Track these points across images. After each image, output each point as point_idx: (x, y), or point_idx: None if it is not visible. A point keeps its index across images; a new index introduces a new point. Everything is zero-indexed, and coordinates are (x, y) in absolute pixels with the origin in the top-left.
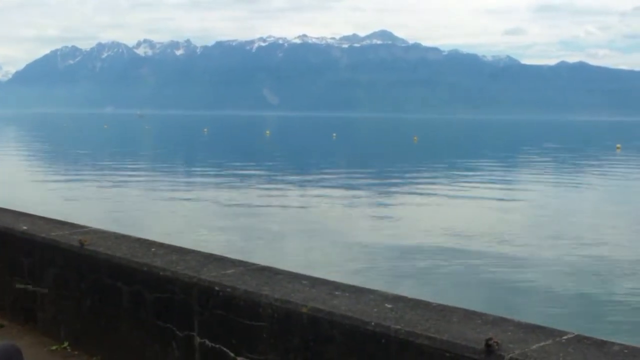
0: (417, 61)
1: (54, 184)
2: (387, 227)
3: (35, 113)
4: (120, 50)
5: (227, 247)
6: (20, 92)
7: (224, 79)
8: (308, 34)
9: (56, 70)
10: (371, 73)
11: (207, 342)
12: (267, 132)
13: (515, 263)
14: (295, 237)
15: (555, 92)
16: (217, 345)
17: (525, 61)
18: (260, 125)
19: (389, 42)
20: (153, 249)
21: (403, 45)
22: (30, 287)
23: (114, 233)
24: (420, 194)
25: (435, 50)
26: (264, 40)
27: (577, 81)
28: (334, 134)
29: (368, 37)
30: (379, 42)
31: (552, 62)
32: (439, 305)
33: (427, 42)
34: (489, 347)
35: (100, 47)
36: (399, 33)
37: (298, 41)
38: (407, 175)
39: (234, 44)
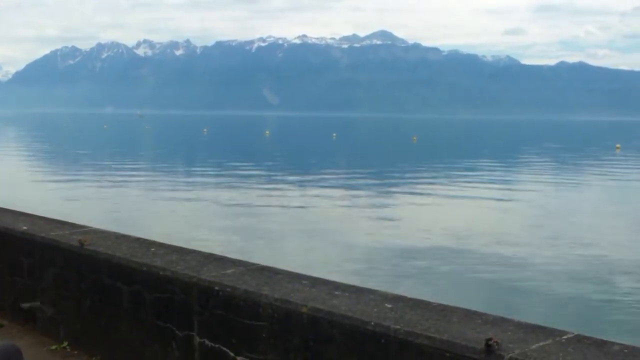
0: (417, 61)
1: (54, 184)
2: (387, 227)
3: (35, 113)
4: (120, 50)
5: (227, 247)
6: (20, 92)
7: (224, 79)
8: (308, 34)
9: (56, 71)
10: (371, 73)
11: (207, 342)
12: (267, 132)
13: (515, 263)
14: (295, 237)
15: (555, 92)
16: (217, 345)
17: (525, 61)
18: (260, 125)
19: (389, 42)
20: (153, 249)
21: (403, 45)
22: (30, 286)
23: (114, 233)
24: (420, 194)
25: (435, 50)
26: (264, 41)
27: (577, 81)
28: (334, 134)
29: (368, 37)
30: (379, 42)
31: (552, 62)
32: (439, 305)
33: (427, 42)
34: (489, 347)
35: (100, 47)
36: (399, 33)
37: (298, 41)
38: (407, 175)
39: (233, 44)
